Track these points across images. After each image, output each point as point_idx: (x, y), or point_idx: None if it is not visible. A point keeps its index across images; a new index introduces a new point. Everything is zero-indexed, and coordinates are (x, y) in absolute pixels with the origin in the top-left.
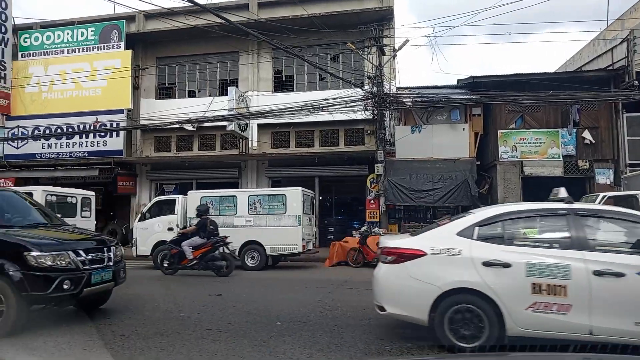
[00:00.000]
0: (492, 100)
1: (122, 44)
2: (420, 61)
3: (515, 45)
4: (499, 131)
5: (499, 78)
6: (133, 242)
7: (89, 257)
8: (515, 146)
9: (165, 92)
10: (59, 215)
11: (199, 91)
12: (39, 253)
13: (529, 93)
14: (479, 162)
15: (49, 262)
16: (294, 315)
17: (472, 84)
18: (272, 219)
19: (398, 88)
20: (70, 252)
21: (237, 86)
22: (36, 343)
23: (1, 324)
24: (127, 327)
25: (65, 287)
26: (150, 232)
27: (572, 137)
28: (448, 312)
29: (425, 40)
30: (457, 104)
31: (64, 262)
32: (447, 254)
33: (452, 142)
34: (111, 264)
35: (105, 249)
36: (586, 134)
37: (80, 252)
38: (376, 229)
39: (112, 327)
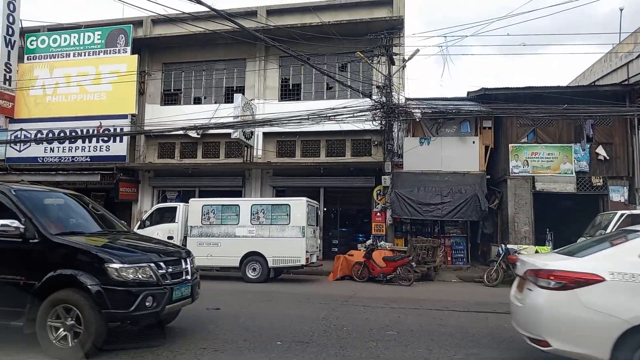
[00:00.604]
0: (504, 113)
1: (129, 49)
2: (430, 72)
3: (525, 60)
4: (510, 145)
5: (511, 90)
6: None
7: (169, 270)
8: (527, 161)
9: (170, 98)
10: (123, 222)
11: (205, 98)
12: (121, 265)
13: (542, 106)
14: (488, 177)
15: (130, 276)
16: (296, 334)
17: (482, 96)
18: (275, 230)
19: (407, 99)
20: (151, 264)
21: (243, 94)
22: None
23: (78, 346)
24: (113, 342)
25: (147, 304)
26: None
27: (586, 152)
28: (638, 351)
29: (435, 51)
30: (467, 116)
31: (145, 276)
32: (632, 281)
33: (462, 155)
34: (189, 277)
35: (182, 260)
36: (600, 150)
37: (161, 264)
38: (382, 242)
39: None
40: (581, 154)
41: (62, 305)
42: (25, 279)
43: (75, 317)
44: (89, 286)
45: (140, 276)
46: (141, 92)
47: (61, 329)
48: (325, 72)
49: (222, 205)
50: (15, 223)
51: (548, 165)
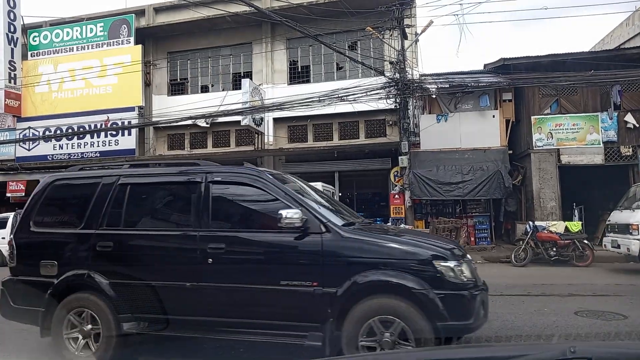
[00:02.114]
0: (525, 83)
1: (132, 39)
2: (444, 47)
3: (541, 30)
4: (532, 117)
5: (532, 59)
6: None
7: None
8: (551, 133)
9: (177, 87)
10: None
11: (212, 86)
12: (453, 262)
13: (566, 74)
14: (511, 152)
15: (463, 276)
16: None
17: (501, 66)
18: None
19: (421, 75)
20: (468, 259)
21: (251, 79)
22: None
23: None
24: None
25: (481, 311)
26: None
27: (613, 121)
28: None
29: (450, 21)
30: (487, 88)
31: (469, 275)
32: None
33: (482, 130)
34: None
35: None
36: (629, 118)
37: (468, 257)
38: (402, 225)
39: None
40: (608, 122)
41: (376, 317)
42: (318, 285)
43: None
44: (418, 292)
45: (466, 276)
46: (147, 83)
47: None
48: (336, 48)
49: None
50: (290, 212)
51: (573, 136)
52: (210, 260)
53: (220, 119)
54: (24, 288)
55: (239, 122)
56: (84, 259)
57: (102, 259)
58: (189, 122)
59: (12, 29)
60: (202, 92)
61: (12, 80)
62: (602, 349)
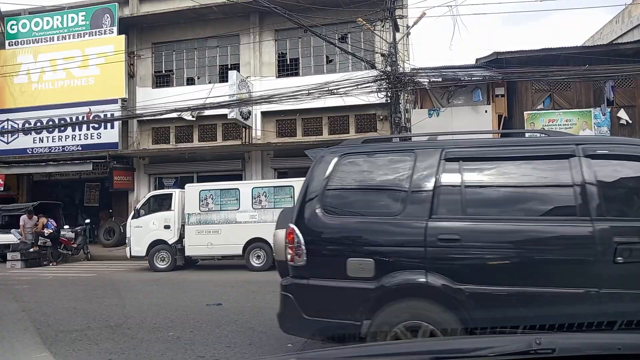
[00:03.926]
0: (520, 77)
1: (115, 29)
2: (436, 40)
3: (533, 27)
4: (525, 112)
5: (525, 54)
6: (127, 241)
7: None
8: (544, 129)
9: (162, 79)
10: None
11: (198, 78)
12: None
13: (561, 68)
14: None
15: None
16: None
17: (494, 61)
18: None
19: (413, 68)
20: None
21: (238, 71)
22: None
23: None
24: (99, 354)
25: None
26: (145, 231)
27: (607, 117)
28: None
29: (440, 15)
30: (479, 82)
31: None
32: None
33: (474, 125)
34: None
35: None
36: (622, 114)
37: None
38: None
39: (81, 351)
40: (602, 118)
41: None
42: None
43: None
44: None
45: None
46: (131, 75)
47: None
48: (326, 38)
49: (221, 189)
50: None
51: (566, 132)
52: (620, 259)
53: (207, 112)
54: (323, 295)
55: (225, 115)
56: (416, 256)
57: (442, 257)
58: (175, 115)
59: None
60: (188, 84)
61: None
62: (566, 340)
